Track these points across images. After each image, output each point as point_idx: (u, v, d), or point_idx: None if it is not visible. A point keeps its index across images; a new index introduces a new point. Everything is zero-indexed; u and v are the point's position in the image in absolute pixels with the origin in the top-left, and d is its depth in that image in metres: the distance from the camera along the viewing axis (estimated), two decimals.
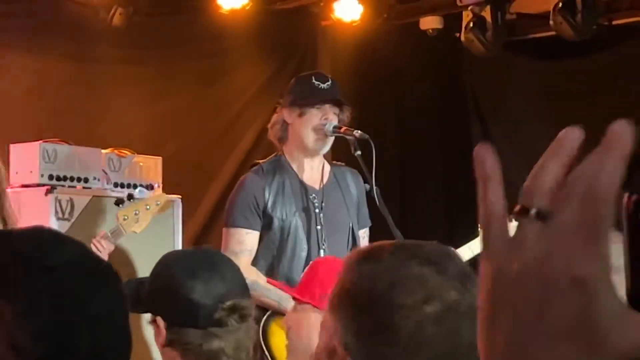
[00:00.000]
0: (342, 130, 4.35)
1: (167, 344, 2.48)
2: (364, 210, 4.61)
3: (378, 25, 6.84)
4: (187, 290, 2.48)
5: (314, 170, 4.49)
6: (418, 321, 1.44)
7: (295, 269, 4.36)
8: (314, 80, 4.42)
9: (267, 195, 4.38)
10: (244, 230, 4.34)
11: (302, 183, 4.45)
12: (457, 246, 4.37)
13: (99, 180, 4.64)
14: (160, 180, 4.93)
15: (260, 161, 4.53)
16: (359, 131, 4.30)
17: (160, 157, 5.01)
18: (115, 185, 4.73)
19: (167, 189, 4.94)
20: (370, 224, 4.64)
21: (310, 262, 4.06)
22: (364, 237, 4.57)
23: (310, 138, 4.38)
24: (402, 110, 7.47)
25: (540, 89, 7.26)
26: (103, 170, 4.69)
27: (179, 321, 2.48)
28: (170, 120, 6.24)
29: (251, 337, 2.58)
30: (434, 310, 1.45)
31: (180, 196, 4.90)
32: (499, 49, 6.70)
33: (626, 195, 0.91)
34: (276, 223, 4.36)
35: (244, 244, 4.31)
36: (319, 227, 4.40)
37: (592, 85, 7.04)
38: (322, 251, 4.38)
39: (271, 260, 4.35)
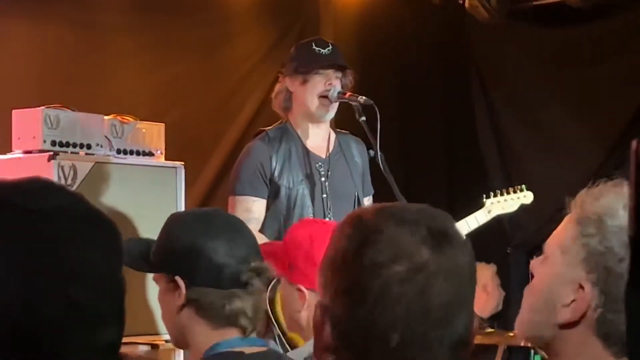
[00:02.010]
0: (346, 96, 4.34)
1: (185, 304, 2.47)
2: (367, 179, 4.61)
3: None
4: (211, 251, 2.46)
5: (319, 139, 4.49)
6: (386, 281, 1.43)
7: None
8: (314, 47, 4.40)
9: (273, 163, 4.37)
10: (252, 198, 4.33)
11: (308, 151, 4.44)
12: (457, 218, 4.38)
13: (101, 146, 4.63)
14: (162, 147, 4.92)
15: (266, 128, 4.52)
16: (364, 97, 4.28)
17: (163, 124, 5.00)
18: (118, 151, 4.72)
19: (169, 156, 4.94)
20: (373, 192, 4.64)
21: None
22: (368, 205, 4.57)
23: (314, 105, 4.37)
24: (405, 77, 7.44)
25: (544, 56, 7.23)
26: (106, 137, 4.68)
27: (203, 281, 2.46)
28: (173, 87, 6.23)
29: (265, 301, 2.59)
30: (401, 269, 1.43)
31: (182, 163, 4.90)
32: (503, 16, 6.68)
33: (634, 142, 0.90)
34: (283, 191, 4.35)
35: (251, 212, 4.30)
36: (324, 195, 4.40)
37: (596, 53, 7.02)
38: (327, 219, 4.37)
39: (278, 229, 4.35)
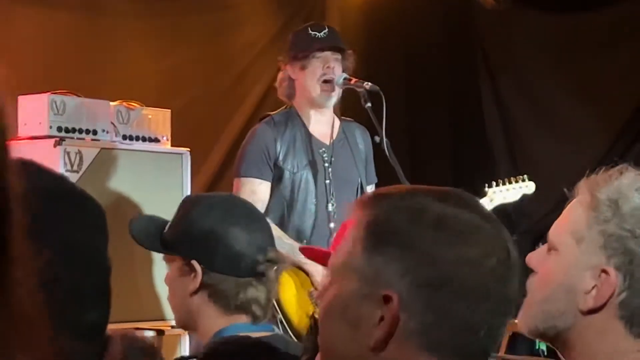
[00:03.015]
0: (352, 82, 4.34)
1: (199, 288, 2.47)
2: (371, 167, 4.62)
3: None
4: (231, 238, 2.46)
5: (323, 125, 4.49)
6: (482, 275, 1.42)
7: (306, 222, 4.37)
8: (310, 31, 4.41)
9: (278, 146, 4.38)
10: (257, 181, 4.35)
11: (312, 137, 4.45)
12: None
13: (107, 132, 4.64)
14: (168, 133, 4.92)
15: (271, 113, 4.52)
16: (369, 83, 4.28)
17: (169, 110, 5.00)
18: (124, 137, 4.72)
19: (175, 142, 4.94)
20: (376, 181, 4.65)
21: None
22: None
23: (316, 90, 4.38)
24: (412, 64, 7.43)
25: (551, 43, 7.22)
26: (112, 123, 4.68)
27: (220, 268, 2.46)
28: (179, 74, 6.23)
29: (277, 290, 2.59)
30: (494, 264, 1.43)
31: (188, 149, 4.90)
32: (509, 2, 6.66)
33: None
34: (287, 175, 4.37)
35: (256, 194, 4.30)
36: (327, 181, 4.41)
37: (603, 40, 7.00)
38: (330, 205, 4.39)
39: (281, 213, 4.36)
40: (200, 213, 2.52)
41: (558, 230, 1.84)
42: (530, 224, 7.14)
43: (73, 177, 4.37)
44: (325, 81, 4.36)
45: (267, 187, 4.36)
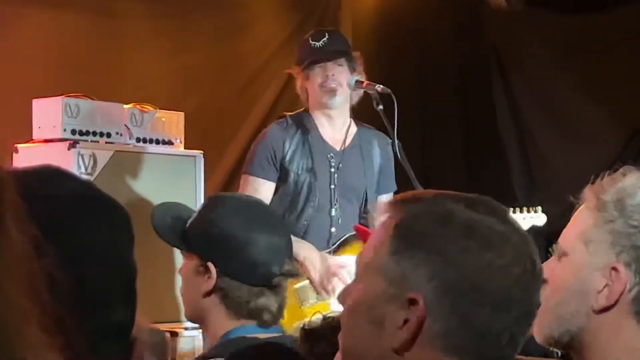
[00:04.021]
0: (364, 84, 4.35)
1: (212, 291, 2.49)
2: (387, 175, 4.62)
3: None
4: (249, 246, 2.47)
5: (336, 130, 4.52)
6: (509, 283, 1.44)
7: (300, 224, 4.39)
8: (310, 41, 4.47)
9: (286, 147, 4.42)
10: (261, 180, 4.40)
11: (323, 141, 4.47)
12: None
13: (121, 135, 4.65)
14: (182, 136, 4.94)
15: (288, 113, 4.55)
16: (381, 85, 4.29)
17: (182, 112, 5.01)
18: (138, 140, 4.74)
19: (188, 144, 4.95)
20: (395, 189, 4.64)
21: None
22: None
23: (319, 94, 4.41)
24: (424, 65, 7.44)
25: (562, 43, 7.21)
26: (125, 125, 4.70)
27: (234, 274, 2.47)
28: (192, 76, 6.24)
29: (287, 297, 2.60)
30: (520, 272, 1.45)
31: (201, 151, 4.92)
32: (521, 4, 6.66)
33: None
34: (291, 176, 4.41)
35: (258, 192, 4.34)
36: (333, 186, 4.44)
37: (615, 40, 6.99)
38: (333, 210, 4.42)
39: (282, 213, 4.38)
40: (224, 215, 2.52)
41: (567, 236, 1.85)
42: (542, 225, 7.13)
43: None
44: (323, 85, 4.41)
45: (271, 187, 4.41)
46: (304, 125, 4.46)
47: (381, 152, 4.58)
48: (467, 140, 7.70)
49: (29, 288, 0.85)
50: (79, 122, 4.50)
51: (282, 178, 4.42)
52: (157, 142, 4.80)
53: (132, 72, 5.89)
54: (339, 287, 4.23)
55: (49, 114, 4.49)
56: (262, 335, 2.46)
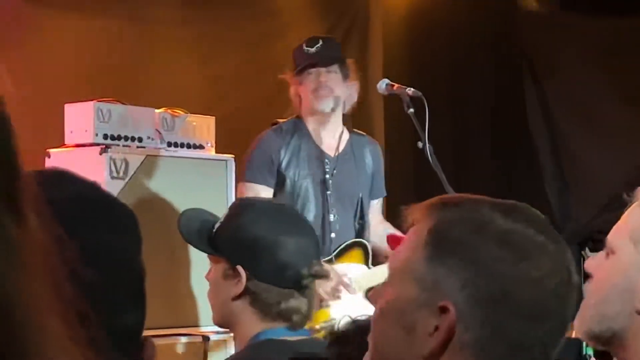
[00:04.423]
0: (394, 87, 4.36)
1: (242, 294, 2.49)
2: (378, 181, 4.71)
3: None
4: (278, 248, 2.48)
5: (329, 137, 4.58)
6: (544, 295, 1.43)
7: None
8: (304, 47, 4.51)
9: (282, 154, 4.47)
10: (259, 186, 4.43)
11: (317, 148, 4.54)
12: None
13: (152, 139, 4.67)
14: (213, 140, 4.95)
15: (280, 120, 4.58)
16: (412, 89, 4.29)
17: (213, 117, 5.02)
18: (169, 144, 4.75)
19: (219, 149, 4.96)
20: (384, 194, 4.76)
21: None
22: (375, 207, 4.71)
23: (311, 100, 4.44)
24: (455, 68, 7.42)
25: (597, 46, 7.17)
26: (157, 130, 4.71)
27: (263, 277, 2.47)
28: (223, 80, 6.26)
29: (315, 298, 2.60)
30: (556, 284, 1.43)
31: (232, 156, 4.92)
32: (554, 6, 6.63)
33: None
34: (288, 183, 4.44)
35: None
36: (328, 192, 4.47)
37: None
38: (331, 216, 4.46)
39: None
40: (251, 219, 2.53)
41: (616, 233, 1.84)
42: (575, 227, 7.10)
43: (119, 184, 4.41)
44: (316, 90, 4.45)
45: (269, 193, 4.43)
46: (298, 131, 4.52)
47: (373, 158, 4.66)
48: (498, 144, 7.67)
49: (52, 283, 0.85)
50: (111, 126, 4.52)
51: (279, 184, 4.46)
52: (188, 146, 4.82)
53: (163, 77, 5.91)
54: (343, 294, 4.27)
55: (81, 119, 4.51)
56: (291, 337, 2.46)
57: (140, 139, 4.61)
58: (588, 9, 7.13)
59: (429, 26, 7.14)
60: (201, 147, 4.87)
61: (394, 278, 1.50)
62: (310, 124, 4.54)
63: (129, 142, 4.57)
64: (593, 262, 1.88)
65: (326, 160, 4.52)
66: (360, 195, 4.57)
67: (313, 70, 4.44)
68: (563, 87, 7.34)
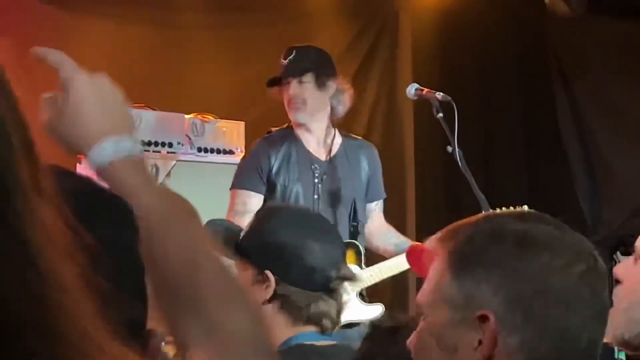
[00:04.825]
0: (423, 92, 4.35)
1: (271, 299, 2.50)
2: (376, 184, 4.71)
3: None
4: (306, 252, 2.49)
5: (320, 142, 4.60)
6: (572, 280, 1.43)
7: None
8: (282, 58, 4.57)
9: (272, 161, 4.50)
10: (249, 193, 4.46)
11: (307, 153, 4.56)
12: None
13: (182, 145, 4.69)
14: (242, 145, 4.96)
15: (274, 129, 4.64)
16: (441, 93, 4.28)
17: (242, 122, 5.04)
18: (199, 150, 4.77)
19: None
20: (384, 197, 4.76)
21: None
22: (374, 210, 4.71)
23: (288, 112, 4.52)
24: (485, 73, 7.39)
25: (624, 48, 7.13)
26: (187, 135, 4.73)
27: (292, 280, 2.49)
28: (252, 86, 6.26)
29: (343, 302, 2.61)
30: (581, 269, 1.44)
31: None
32: (583, 9, 6.60)
33: None
34: (278, 189, 4.47)
35: (247, 205, 4.40)
36: (316, 196, 4.49)
37: None
38: None
39: None
40: (278, 225, 2.55)
41: None
42: (607, 231, 7.06)
43: None
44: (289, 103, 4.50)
45: (259, 200, 4.45)
46: (288, 138, 4.56)
47: (368, 161, 4.67)
48: (529, 148, 7.64)
49: (79, 275, 0.86)
50: (141, 132, 4.54)
51: (269, 191, 4.48)
52: (218, 151, 4.84)
53: (193, 83, 5.93)
54: None
55: None
56: (320, 342, 2.47)
57: (170, 145, 4.64)
58: (616, 11, 7.09)
59: (458, 30, 7.12)
60: (231, 152, 4.88)
61: (425, 309, 1.52)
62: (300, 131, 4.58)
63: (159, 148, 4.60)
64: (621, 267, 1.88)
65: (316, 165, 4.55)
66: (354, 198, 4.59)
67: (286, 82, 4.47)
68: (593, 89, 7.30)
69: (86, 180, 1.34)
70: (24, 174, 0.85)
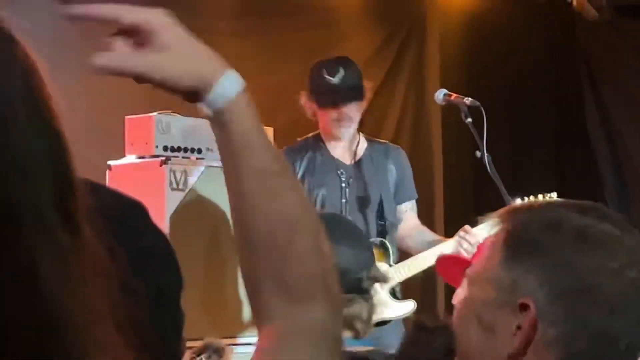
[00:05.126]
0: (452, 97, 4.37)
1: None
2: (406, 185, 4.75)
3: None
4: (336, 255, 2.49)
5: (345, 147, 4.66)
6: (625, 286, 1.43)
7: None
8: (325, 75, 4.54)
9: (297, 167, 4.59)
10: None
11: (332, 158, 4.65)
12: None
13: (211, 151, 4.70)
14: None
15: (299, 139, 4.76)
16: (470, 98, 4.29)
17: (271, 128, 5.04)
18: None
19: None
20: (416, 197, 4.79)
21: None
22: (406, 211, 4.74)
23: (331, 126, 4.54)
24: (513, 77, 7.38)
25: None
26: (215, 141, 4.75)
27: None
28: (280, 92, 6.28)
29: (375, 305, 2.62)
30: (634, 274, 1.43)
31: None
32: (612, 13, 6.57)
33: None
34: None
35: None
36: (344, 200, 4.52)
37: None
38: None
39: None
40: None
41: None
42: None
43: (179, 196, 4.45)
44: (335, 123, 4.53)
45: None
46: (313, 146, 4.65)
47: (395, 164, 4.71)
48: (558, 153, 7.62)
49: (105, 291, 0.87)
50: (171, 138, 4.56)
51: None
52: None
53: None
54: None
55: (141, 131, 4.56)
56: (354, 348, 2.47)
57: (199, 151, 4.65)
58: None
59: (486, 34, 7.12)
60: None
61: (470, 282, 1.53)
62: (326, 138, 4.66)
63: (188, 154, 4.61)
64: None
65: (341, 170, 4.61)
66: (381, 199, 4.62)
67: (343, 104, 4.51)
68: (622, 92, 7.27)
69: (117, 195, 1.35)
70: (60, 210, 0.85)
